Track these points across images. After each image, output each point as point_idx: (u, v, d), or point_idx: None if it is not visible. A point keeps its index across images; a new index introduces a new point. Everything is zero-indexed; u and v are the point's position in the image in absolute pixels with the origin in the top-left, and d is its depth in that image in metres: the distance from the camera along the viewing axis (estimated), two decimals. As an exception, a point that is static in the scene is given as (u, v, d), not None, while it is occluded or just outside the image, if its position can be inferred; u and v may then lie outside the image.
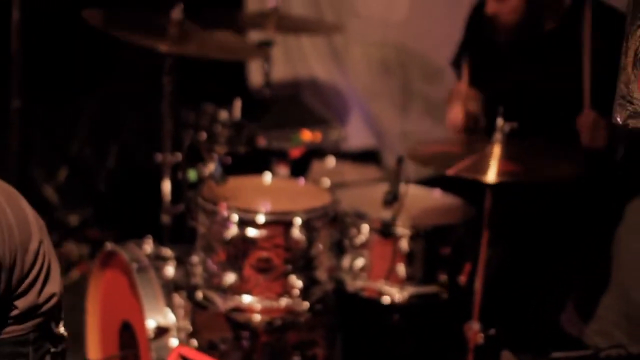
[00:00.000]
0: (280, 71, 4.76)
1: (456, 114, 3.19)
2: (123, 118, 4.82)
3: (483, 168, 2.56)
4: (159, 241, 3.18)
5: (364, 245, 2.95)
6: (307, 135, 3.75)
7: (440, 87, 4.07)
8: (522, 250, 3.24)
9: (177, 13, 3.35)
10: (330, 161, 3.73)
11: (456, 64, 3.52)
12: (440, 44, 3.82)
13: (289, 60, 4.84)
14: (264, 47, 3.87)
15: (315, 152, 3.72)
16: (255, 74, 4.75)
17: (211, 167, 2.86)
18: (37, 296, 1.79)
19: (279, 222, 2.78)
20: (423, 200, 3.15)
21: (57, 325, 1.89)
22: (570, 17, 3.20)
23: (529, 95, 3.28)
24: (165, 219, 3.36)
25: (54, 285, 1.83)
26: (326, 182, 3.34)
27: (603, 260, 3.33)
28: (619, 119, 1.75)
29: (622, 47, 1.77)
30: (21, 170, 4.21)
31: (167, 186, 3.31)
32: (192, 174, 2.96)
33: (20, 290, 1.76)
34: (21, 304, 1.77)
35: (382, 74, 4.45)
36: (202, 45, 3.34)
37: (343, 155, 3.96)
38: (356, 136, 4.60)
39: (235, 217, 2.77)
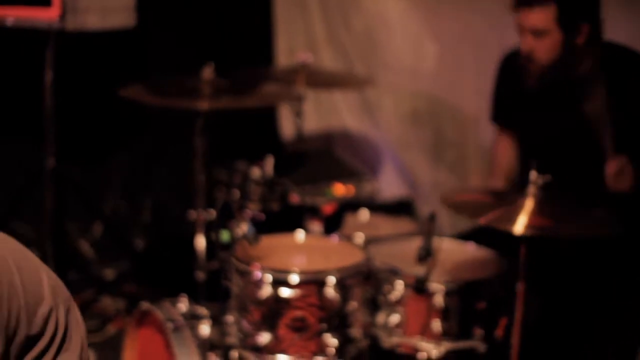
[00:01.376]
0: (313, 125, 4.80)
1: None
2: (157, 175, 4.87)
3: (514, 219, 2.56)
4: (193, 298, 3.21)
5: (398, 302, 2.94)
6: (340, 189, 3.75)
7: (472, 137, 4.08)
8: (560, 303, 3.22)
9: (208, 73, 3.42)
10: (364, 215, 3.72)
11: (495, 117, 3.56)
12: (470, 94, 3.84)
13: (321, 114, 4.88)
14: (297, 102, 3.91)
15: (349, 206, 3.71)
16: (287, 129, 4.79)
17: (244, 227, 2.87)
18: None
19: (312, 282, 2.79)
20: (457, 254, 3.14)
21: None
22: (603, 63, 3.22)
23: (560, 141, 3.29)
24: (200, 276, 3.39)
25: (72, 357, 1.82)
26: (360, 236, 3.33)
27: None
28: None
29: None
30: (57, 227, 4.25)
31: (200, 243, 3.34)
32: (224, 234, 2.98)
33: (31, 356, 1.75)
34: None
35: (414, 124, 4.47)
36: (235, 98, 3.42)
37: (377, 208, 3.95)
38: (390, 187, 4.61)
39: (268, 278, 2.78)
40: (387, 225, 3.69)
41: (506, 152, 3.53)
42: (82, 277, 4.62)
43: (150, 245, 4.84)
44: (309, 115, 4.77)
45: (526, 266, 2.69)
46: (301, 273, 2.79)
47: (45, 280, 1.80)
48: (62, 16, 3.79)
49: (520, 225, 2.54)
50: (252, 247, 2.88)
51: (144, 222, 4.90)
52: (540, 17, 3.17)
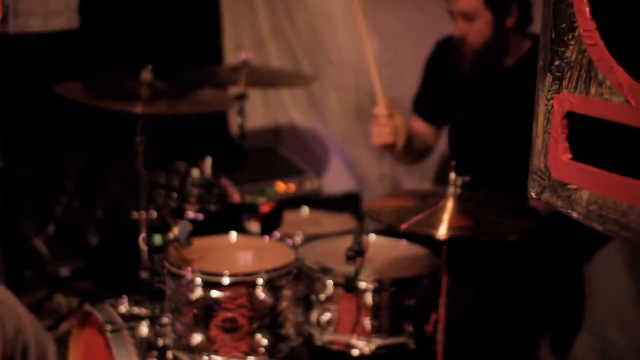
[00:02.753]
0: (260, 121, 4.86)
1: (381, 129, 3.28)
2: (110, 173, 4.90)
3: (435, 223, 2.61)
4: (140, 296, 3.25)
5: (330, 300, 2.99)
6: (281, 187, 3.81)
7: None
8: (493, 294, 3.29)
9: (146, 75, 3.46)
10: (305, 212, 3.78)
11: (416, 104, 3.62)
12: (411, 89, 3.89)
13: (268, 110, 4.93)
14: (237, 100, 3.95)
15: (290, 204, 3.77)
16: (234, 127, 4.84)
17: (176, 231, 2.92)
18: None
19: (242, 283, 2.83)
20: (389, 251, 3.20)
21: None
22: (528, 60, 3.29)
23: (487, 131, 3.36)
24: (144, 276, 3.43)
25: None
26: (299, 235, 3.39)
27: (577, 300, 3.36)
28: (533, 194, 1.78)
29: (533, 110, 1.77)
30: (10, 226, 4.29)
31: (143, 244, 3.38)
32: (157, 238, 3.03)
33: None
34: None
35: (358, 119, 4.52)
36: (173, 103, 3.45)
37: (322, 204, 4.00)
38: (338, 182, 4.67)
39: (199, 280, 2.83)
40: (329, 222, 3.75)
41: (422, 127, 3.60)
42: (37, 275, 4.67)
43: (103, 244, 4.87)
44: (257, 112, 4.83)
45: (450, 264, 2.75)
46: (231, 275, 2.84)
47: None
48: (4, 20, 3.81)
49: (441, 230, 2.59)
50: (184, 250, 2.93)
51: (97, 220, 4.94)
52: (470, 0, 3.25)
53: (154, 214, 3.41)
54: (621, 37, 1.55)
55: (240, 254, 3.10)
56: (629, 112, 1.52)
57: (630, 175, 1.52)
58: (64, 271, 4.75)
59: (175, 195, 3.31)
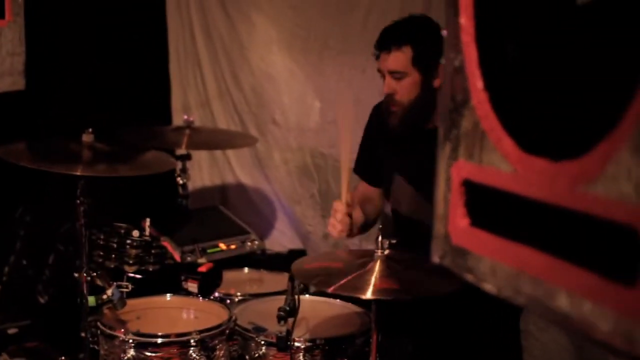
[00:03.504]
0: (207, 180, 4.91)
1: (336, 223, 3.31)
2: (56, 232, 4.91)
3: (362, 286, 2.65)
4: (80, 356, 3.26)
5: (263, 359, 3.02)
6: (223, 246, 3.85)
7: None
8: (428, 349, 3.32)
9: (87, 137, 3.51)
10: (244, 272, 3.81)
11: (357, 167, 3.67)
12: (353, 148, 3.96)
13: (215, 169, 4.99)
14: (179, 160, 4.01)
15: (231, 264, 3.80)
16: (180, 186, 4.88)
17: (110, 292, 2.95)
18: None
19: (175, 343, 2.86)
20: (323, 310, 3.24)
21: None
22: None
23: (418, 188, 3.43)
24: (85, 334, 3.44)
25: None
26: (236, 294, 3.43)
27: (513, 354, 3.40)
28: (436, 258, 1.82)
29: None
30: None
31: (90, 301, 3.39)
32: (91, 299, 3.05)
33: None
34: None
35: (302, 178, 4.59)
36: (113, 165, 3.49)
37: (266, 262, 4.04)
38: (283, 239, 4.73)
39: (132, 341, 2.86)
40: (271, 280, 3.78)
41: (367, 190, 3.66)
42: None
43: (50, 303, 4.87)
44: (203, 171, 4.89)
45: (382, 321, 2.79)
46: (163, 335, 2.86)
47: None
48: (-52, 82, 3.86)
49: (367, 292, 2.63)
50: (118, 311, 2.96)
51: (45, 279, 4.94)
52: (397, 60, 3.30)
53: (93, 274, 3.44)
54: (512, 108, 1.62)
55: (174, 313, 3.13)
56: (517, 180, 1.58)
57: (519, 241, 1.57)
58: (11, 330, 4.74)
59: (113, 255, 3.35)
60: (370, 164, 3.68)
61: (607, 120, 1.27)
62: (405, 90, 3.33)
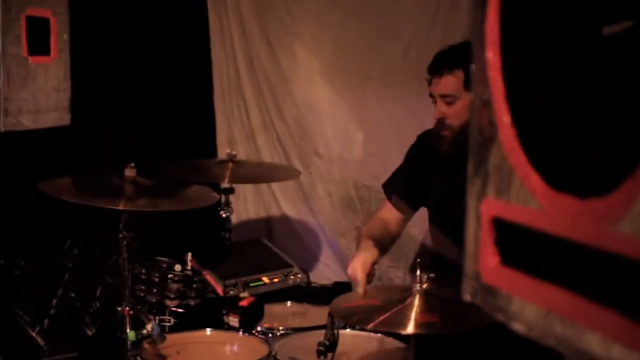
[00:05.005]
0: (253, 213, 4.92)
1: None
2: (103, 265, 4.95)
3: (402, 321, 2.62)
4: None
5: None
6: (265, 280, 3.83)
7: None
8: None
9: (129, 172, 3.53)
10: (288, 305, 3.80)
11: (386, 187, 3.63)
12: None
13: (260, 202, 5.00)
14: (223, 194, 4.01)
15: (274, 297, 3.79)
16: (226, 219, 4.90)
17: (150, 327, 2.95)
18: None
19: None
20: (363, 345, 3.21)
21: None
22: None
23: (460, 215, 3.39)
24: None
25: None
26: (279, 328, 3.41)
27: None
28: (467, 296, 1.79)
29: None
30: (6, 317, 4.33)
31: (130, 336, 3.40)
32: (131, 334, 3.06)
33: None
34: None
35: (345, 210, 4.57)
36: (154, 199, 3.51)
37: (310, 294, 4.02)
38: (328, 271, 4.71)
39: (171, 377, 2.86)
40: (315, 314, 3.76)
41: (389, 214, 3.62)
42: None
43: (97, 335, 4.90)
44: (248, 204, 4.89)
45: (422, 357, 2.76)
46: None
47: None
48: (-5, 118, 3.92)
49: (408, 328, 2.60)
50: (158, 346, 2.96)
51: (92, 311, 4.98)
52: (449, 83, 3.30)
53: (136, 308, 3.46)
54: (539, 143, 1.59)
55: (215, 348, 3.13)
56: (544, 217, 1.55)
57: (548, 280, 1.54)
58: (64, 362, 4.79)
59: (155, 289, 3.35)
60: (408, 189, 3.65)
61: (633, 158, 1.24)
62: (456, 114, 3.32)
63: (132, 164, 3.53)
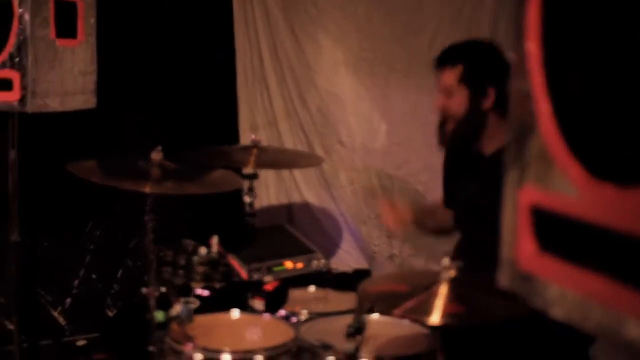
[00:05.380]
0: (274, 199, 4.96)
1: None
2: (125, 247, 5.01)
3: (428, 309, 2.65)
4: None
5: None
6: (289, 265, 3.87)
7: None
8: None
9: (156, 155, 3.57)
10: (310, 290, 3.83)
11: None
12: (418, 171, 3.98)
13: (281, 189, 5.03)
14: (247, 179, 4.05)
15: (297, 282, 3.83)
16: (246, 205, 4.94)
17: (178, 308, 2.99)
18: None
19: (242, 360, 2.90)
20: (390, 330, 3.24)
21: None
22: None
23: (471, 214, 3.46)
24: (152, 349, 3.49)
25: None
26: (303, 313, 3.44)
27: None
28: (503, 284, 1.81)
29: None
30: (28, 297, 4.39)
31: (158, 317, 3.44)
32: (159, 315, 3.11)
33: None
34: None
35: (368, 198, 4.61)
36: (181, 183, 3.54)
37: (331, 281, 4.06)
38: (349, 258, 4.75)
39: (199, 357, 2.90)
40: (336, 299, 3.79)
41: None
42: (54, 345, 4.75)
43: (118, 316, 4.97)
44: (270, 190, 4.93)
45: (447, 345, 2.79)
46: (231, 352, 2.90)
47: None
48: (23, 100, 3.95)
49: (433, 317, 2.63)
50: (186, 326, 3.00)
51: (113, 293, 5.04)
52: (449, 77, 3.43)
53: (161, 289, 3.50)
54: (579, 133, 1.62)
55: (241, 331, 3.16)
56: (584, 205, 1.58)
57: (587, 267, 1.57)
58: (80, 342, 4.84)
59: (181, 272, 3.39)
60: (445, 186, 3.72)
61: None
62: (454, 105, 3.42)
63: (159, 147, 3.56)
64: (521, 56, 1.83)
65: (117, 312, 4.96)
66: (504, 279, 1.80)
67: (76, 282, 4.98)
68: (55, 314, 4.91)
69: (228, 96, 5.27)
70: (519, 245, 1.75)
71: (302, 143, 4.93)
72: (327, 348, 3.06)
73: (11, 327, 4.41)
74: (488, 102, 3.39)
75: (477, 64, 3.43)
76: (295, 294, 3.72)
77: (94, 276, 5.04)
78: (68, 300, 4.93)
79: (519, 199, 1.73)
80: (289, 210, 5.05)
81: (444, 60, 3.46)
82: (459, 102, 3.40)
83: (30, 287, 4.48)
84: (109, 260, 5.06)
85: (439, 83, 3.44)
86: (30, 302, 4.50)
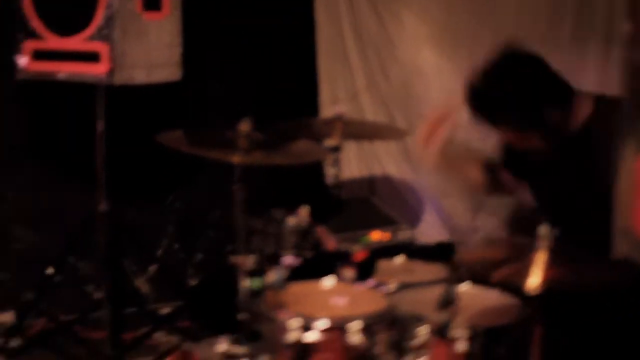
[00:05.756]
0: (356, 172, 4.97)
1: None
2: (207, 218, 5.08)
3: (526, 276, 2.65)
4: (237, 337, 3.36)
5: (422, 347, 3.04)
6: (376, 236, 3.89)
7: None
8: (591, 345, 3.29)
9: (244, 126, 3.59)
10: (399, 261, 3.84)
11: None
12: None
13: (363, 161, 5.05)
14: (331, 152, 4.07)
15: (384, 252, 3.84)
16: (329, 177, 4.96)
17: (272, 275, 3.03)
18: None
19: (337, 328, 2.93)
20: (480, 301, 3.24)
21: None
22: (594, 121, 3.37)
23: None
24: (242, 317, 3.53)
25: None
26: (392, 283, 3.46)
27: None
28: (619, 251, 1.80)
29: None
30: (114, 265, 4.48)
31: (243, 287, 3.49)
32: (256, 281, 3.15)
33: None
34: None
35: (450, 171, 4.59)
36: (268, 153, 3.57)
37: (415, 253, 4.06)
38: (431, 231, 4.75)
39: (295, 323, 2.93)
40: (422, 270, 3.80)
41: None
42: (139, 313, 4.84)
43: (201, 285, 5.03)
44: (352, 163, 4.95)
45: (543, 314, 2.79)
46: (326, 319, 2.93)
47: None
48: (110, 72, 4.02)
49: (532, 282, 2.63)
50: (280, 294, 3.03)
51: (196, 263, 5.11)
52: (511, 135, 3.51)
53: (251, 258, 3.54)
54: None
55: (334, 299, 3.19)
56: None
57: None
58: (164, 310, 4.91)
59: (271, 241, 3.43)
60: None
61: None
62: (531, 144, 3.46)
63: (248, 118, 3.59)
64: (637, 28, 1.81)
65: (201, 280, 5.03)
66: (620, 248, 1.80)
67: (159, 252, 5.06)
68: (139, 282, 5.00)
69: (308, 70, 5.29)
70: (635, 213, 1.75)
71: (385, 116, 4.93)
72: (420, 319, 3.07)
73: (100, 295, 4.51)
74: (556, 116, 3.37)
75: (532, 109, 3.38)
76: (382, 264, 3.74)
77: (176, 246, 5.11)
78: (152, 268, 5.02)
79: (636, 168, 1.72)
80: (370, 183, 5.05)
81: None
82: (533, 142, 3.38)
83: (116, 256, 4.55)
84: (191, 231, 5.13)
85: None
86: (116, 271, 4.57)
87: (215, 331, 3.53)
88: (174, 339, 4.62)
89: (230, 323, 3.58)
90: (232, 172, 3.67)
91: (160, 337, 4.67)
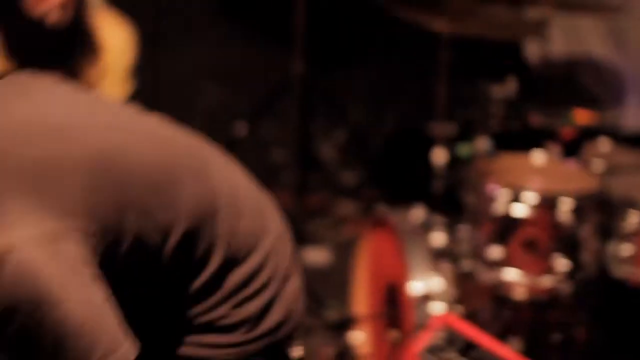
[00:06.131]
0: (557, 49, 4.76)
1: None
2: (402, 86, 4.98)
3: None
4: (429, 208, 3.31)
5: (632, 233, 2.92)
6: (581, 115, 3.73)
7: None
8: None
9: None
10: (605, 144, 3.68)
11: None
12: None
13: (566, 39, 4.82)
14: (540, 26, 3.90)
15: (589, 134, 3.69)
16: (531, 52, 4.77)
17: (483, 143, 2.95)
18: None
19: (547, 202, 2.83)
20: None
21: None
22: None
23: None
24: (437, 187, 3.48)
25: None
26: (598, 165, 3.32)
27: None
28: None
29: None
30: (301, 129, 4.48)
31: (439, 156, 3.42)
32: (464, 148, 3.07)
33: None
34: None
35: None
36: (477, 23, 3.44)
37: (619, 138, 3.89)
38: (635, 118, 4.53)
39: (503, 194, 2.85)
40: (628, 156, 3.64)
41: None
42: (322, 179, 4.85)
43: (390, 154, 4.97)
44: (554, 40, 4.73)
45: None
46: (537, 192, 2.84)
47: (224, 194, 1.72)
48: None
49: None
50: (489, 163, 2.95)
51: (385, 131, 5.05)
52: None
53: (452, 127, 3.46)
54: None
55: (543, 173, 3.06)
56: None
57: None
58: (350, 177, 4.90)
59: (478, 110, 3.34)
60: None
61: None
62: None
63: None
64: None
65: (390, 149, 4.97)
66: None
67: (350, 118, 5.01)
68: (327, 148, 4.99)
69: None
70: None
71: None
72: (633, 204, 2.94)
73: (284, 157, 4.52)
74: None
75: None
76: (586, 145, 3.59)
77: (368, 113, 5.06)
78: (340, 135, 5.00)
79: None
80: (572, 61, 4.84)
81: None
82: None
83: (305, 120, 4.54)
84: (384, 99, 5.05)
85: None
86: (304, 135, 4.57)
87: (405, 200, 3.47)
88: (356, 207, 4.62)
89: (422, 192, 3.54)
90: (427, 41, 3.57)
91: (344, 204, 4.68)
